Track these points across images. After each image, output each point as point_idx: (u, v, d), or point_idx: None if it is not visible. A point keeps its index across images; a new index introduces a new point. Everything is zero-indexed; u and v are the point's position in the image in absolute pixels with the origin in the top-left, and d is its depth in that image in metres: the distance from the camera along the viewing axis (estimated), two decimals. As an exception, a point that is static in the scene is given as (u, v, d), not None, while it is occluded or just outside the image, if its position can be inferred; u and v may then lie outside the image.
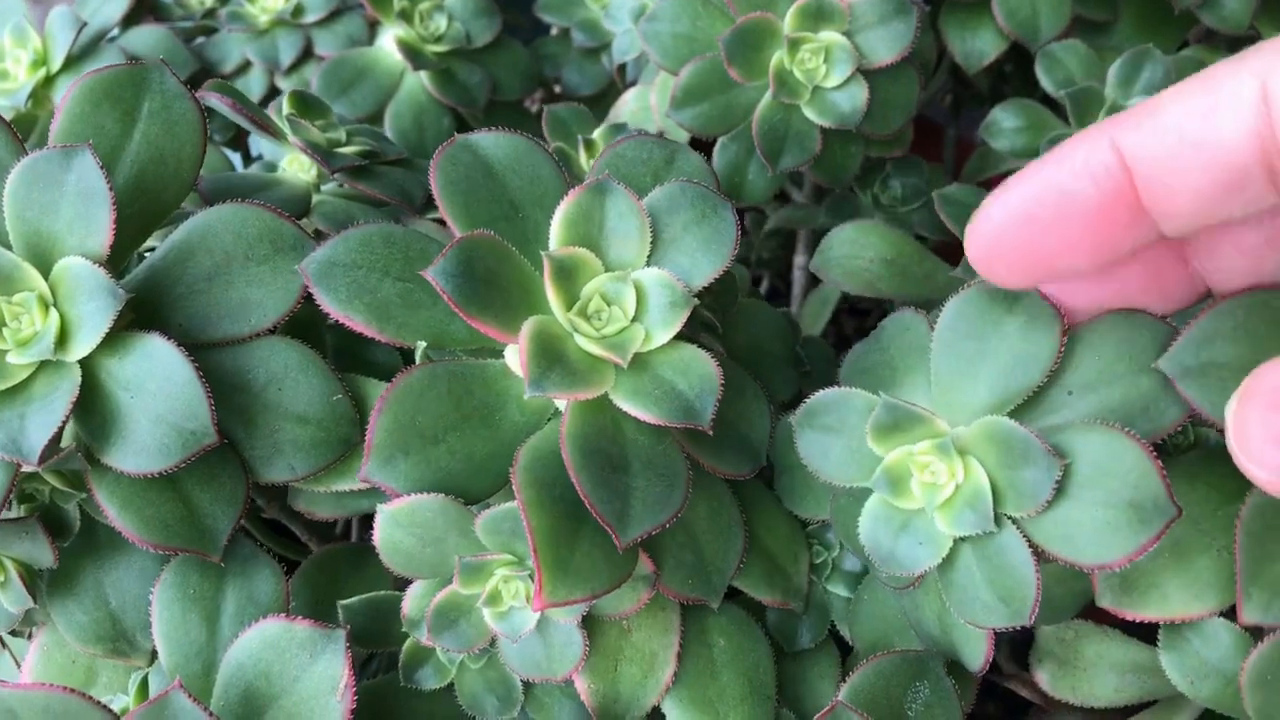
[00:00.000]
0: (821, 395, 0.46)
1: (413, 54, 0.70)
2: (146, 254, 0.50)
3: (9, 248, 0.45)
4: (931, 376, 0.44)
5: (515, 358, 0.45)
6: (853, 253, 0.58)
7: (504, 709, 0.48)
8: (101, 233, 0.45)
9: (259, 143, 0.70)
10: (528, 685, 0.48)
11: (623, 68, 0.77)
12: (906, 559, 0.43)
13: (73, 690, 0.41)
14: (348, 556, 0.54)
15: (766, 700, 0.47)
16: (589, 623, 0.46)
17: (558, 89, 0.82)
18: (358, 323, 0.45)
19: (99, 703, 0.41)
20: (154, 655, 0.49)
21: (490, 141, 0.47)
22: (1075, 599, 0.47)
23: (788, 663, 0.51)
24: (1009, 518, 0.41)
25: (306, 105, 0.58)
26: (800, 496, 0.49)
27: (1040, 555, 0.40)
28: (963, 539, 0.42)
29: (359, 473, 0.43)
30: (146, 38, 0.73)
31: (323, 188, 0.59)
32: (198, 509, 0.46)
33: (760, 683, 0.47)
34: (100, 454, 0.44)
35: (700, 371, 0.43)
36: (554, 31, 0.86)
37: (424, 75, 0.71)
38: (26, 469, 0.44)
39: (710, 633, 0.48)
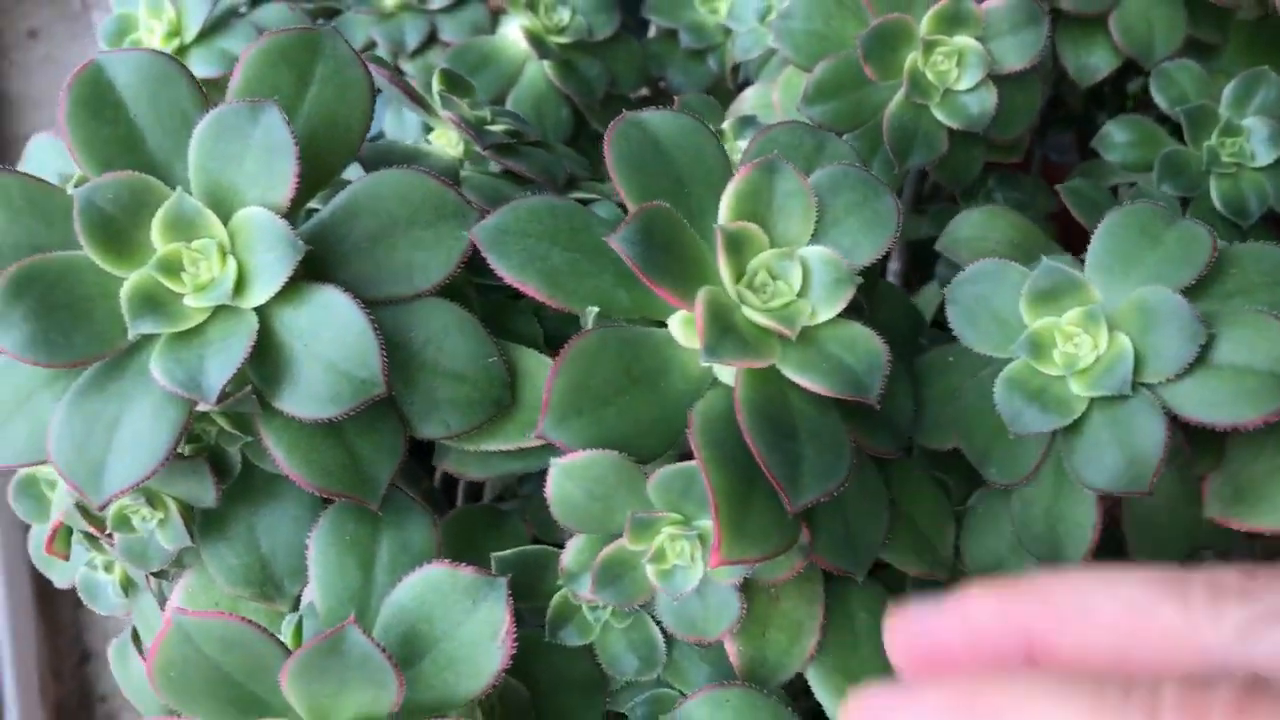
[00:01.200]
0: (978, 265, 0.49)
1: (538, 43, 0.72)
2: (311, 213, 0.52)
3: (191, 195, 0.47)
4: (1088, 267, 0.47)
5: (679, 327, 0.47)
6: (980, 234, 0.59)
7: (644, 669, 0.49)
8: (283, 185, 0.46)
9: (382, 118, 0.71)
10: (668, 647, 0.49)
11: (736, 68, 0.79)
12: (1036, 420, 0.46)
13: (249, 621, 0.42)
14: (485, 516, 0.55)
15: None
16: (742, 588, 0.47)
17: (662, 85, 0.84)
18: (530, 288, 0.46)
19: (274, 636, 0.42)
20: (296, 602, 0.50)
21: (659, 119, 0.48)
22: (1184, 532, 0.49)
23: None
24: (1144, 385, 0.45)
25: (455, 83, 0.60)
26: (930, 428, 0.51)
27: (1174, 419, 0.44)
28: (1095, 402, 0.46)
29: (535, 430, 0.45)
30: (274, 14, 0.74)
31: (465, 164, 0.60)
32: (359, 457, 0.47)
33: None
34: (272, 399, 0.45)
35: (867, 347, 0.44)
36: (653, 32, 0.88)
37: (546, 65, 0.73)
38: (200, 409, 0.46)
39: (852, 605, 0.49)
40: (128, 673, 0.56)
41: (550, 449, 0.49)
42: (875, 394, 0.43)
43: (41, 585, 1.16)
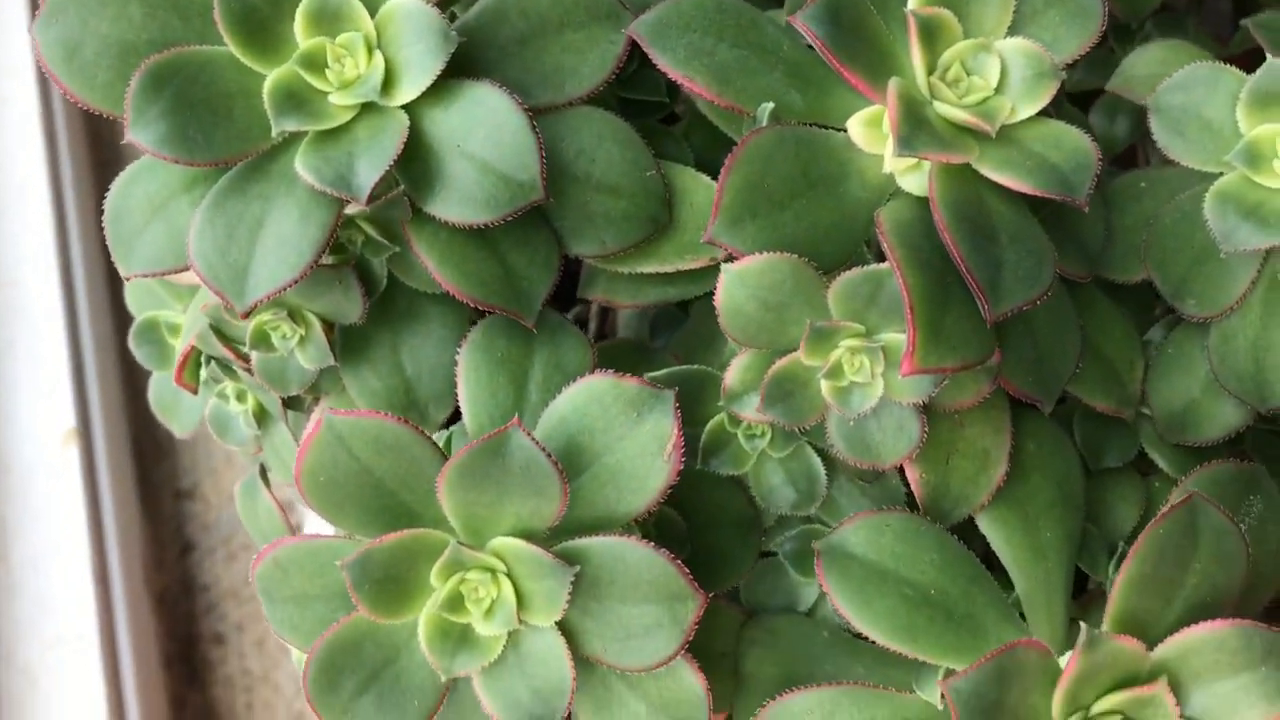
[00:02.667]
0: (1188, 70, 0.45)
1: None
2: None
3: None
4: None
5: (860, 129, 0.43)
6: (1159, 70, 0.54)
7: (802, 504, 0.46)
8: (434, -28, 0.43)
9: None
10: (828, 481, 0.46)
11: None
12: (1251, 236, 0.42)
13: (406, 422, 0.39)
14: (633, 350, 0.52)
15: (1076, 510, 0.45)
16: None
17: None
18: (698, 84, 0.43)
19: (431, 440, 0.40)
20: (443, 428, 0.48)
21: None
22: None
23: (1090, 483, 0.48)
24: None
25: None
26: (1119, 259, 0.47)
27: None
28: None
29: (703, 235, 0.42)
30: None
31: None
32: (514, 270, 0.44)
33: (1070, 492, 0.45)
34: (423, 202, 0.42)
35: (1074, 145, 0.41)
36: None
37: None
38: (349, 211, 0.43)
39: (1020, 436, 0.45)
40: (254, 510, 0.54)
41: (708, 275, 0.46)
42: (1085, 193, 0.39)
43: (145, 479, 1.17)
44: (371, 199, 0.40)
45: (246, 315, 0.41)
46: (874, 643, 0.47)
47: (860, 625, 0.41)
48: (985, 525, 0.45)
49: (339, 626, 0.40)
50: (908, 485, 0.45)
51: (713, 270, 0.45)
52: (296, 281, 0.41)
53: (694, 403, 0.46)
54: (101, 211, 0.44)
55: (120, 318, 1.27)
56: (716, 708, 0.47)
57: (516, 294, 0.43)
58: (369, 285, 0.45)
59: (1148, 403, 0.48)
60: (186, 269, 0.42)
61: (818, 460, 0.46)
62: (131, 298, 0.61)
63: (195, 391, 0.51)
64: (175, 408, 0.59)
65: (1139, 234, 0.47)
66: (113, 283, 1.27)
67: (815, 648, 0.47)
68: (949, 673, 0.41)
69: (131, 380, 1.23)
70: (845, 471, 0.46)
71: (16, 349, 1.13)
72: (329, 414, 0.39)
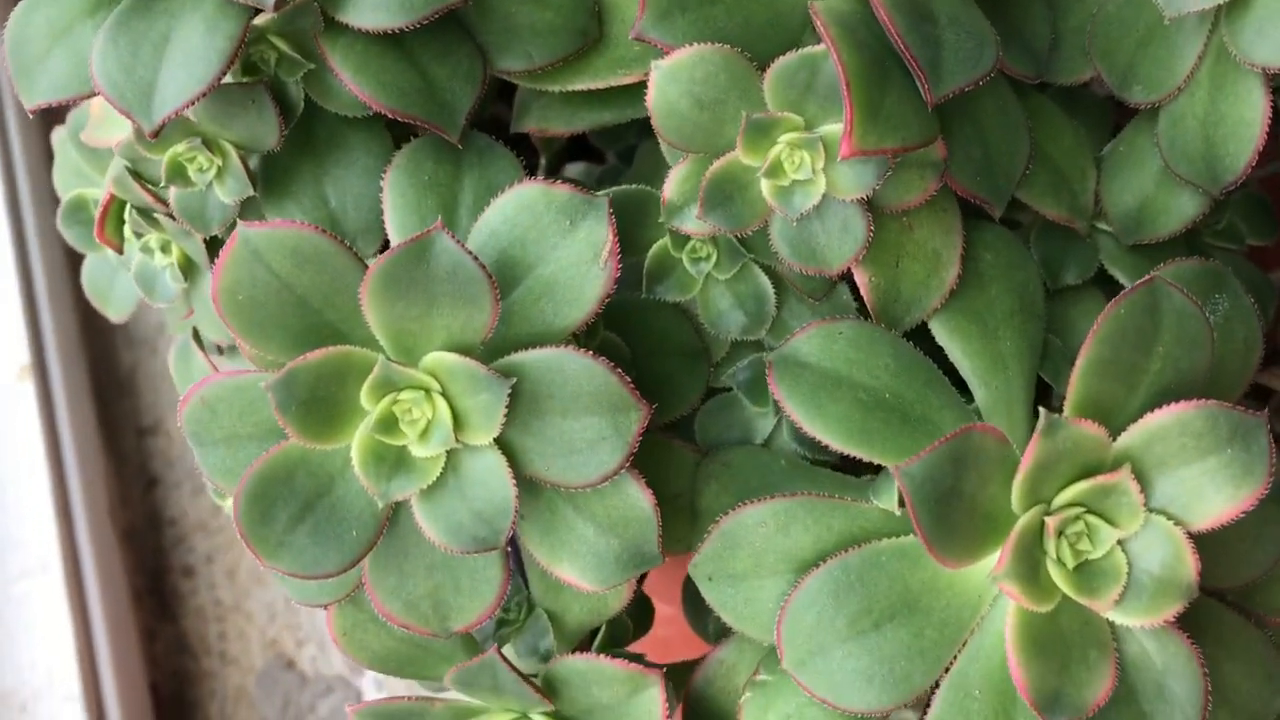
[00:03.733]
0: None
1: None
2: None
3: None
4: None
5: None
6: None
7: (751, 326, 0.44)
8: None
9: None
10: (777, 303, 0.44)
11: None
12: None
13: (321, 230, 0.37)
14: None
15: (1037, 320, 0.43)
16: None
17: None
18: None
19: (349, 247, 0.38)
20: (375, 261, 0.46)
21: None
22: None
23: (1051, 302, 0.47)
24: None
25: None
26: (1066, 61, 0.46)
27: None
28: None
29: (631, 30, 0.40)
30: None
31: None
32: (435, 81, 0.42)
33: (1030, 301, 0.44)
34: (335, 10, 0.40)
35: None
36: None
37: None
38: (258, 22, 0.41)
39: (976, 245, 0.44)
40: (189, 374, 0.52)
41: (642, 96, 0.44)
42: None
43: (106, 416, 1.15)
44: (279, 4, 0.38)
45: (155, 135, 0.39)
46: (831, 466, 0.46)
47: (814, 430, 0.40)
48: (944, 337, 0.43)
49: (269, 456, 0.39)
50: (859, 300, 0.44)
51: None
52: (204, 94, 0.39)
53: (636, 228, 0.44)
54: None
55: (73, 258, 1.24)
56: (673, 548, 0.46)
57: (439, 105, 0.41)
58: (286, 109, 0.43)
59: (1102, 207, 0.47)
60: (91, 94, 0.40)
61: (765, 280, 0.44)
62: (59, 179, 0.59)
63: (119, 250, 0.49)
64: (109, 291, 0.57)
65: (1084, 35, 0.46)
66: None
67: (773, 477, 0.45)
68: None
69: (88, 321, 1.20)
70: (794, 291, 0.44)
71: (-37, 287, 1.11)
72: (243, 227, 0.37)
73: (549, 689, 0.43)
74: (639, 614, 0.50)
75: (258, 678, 1.03)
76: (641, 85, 0.43)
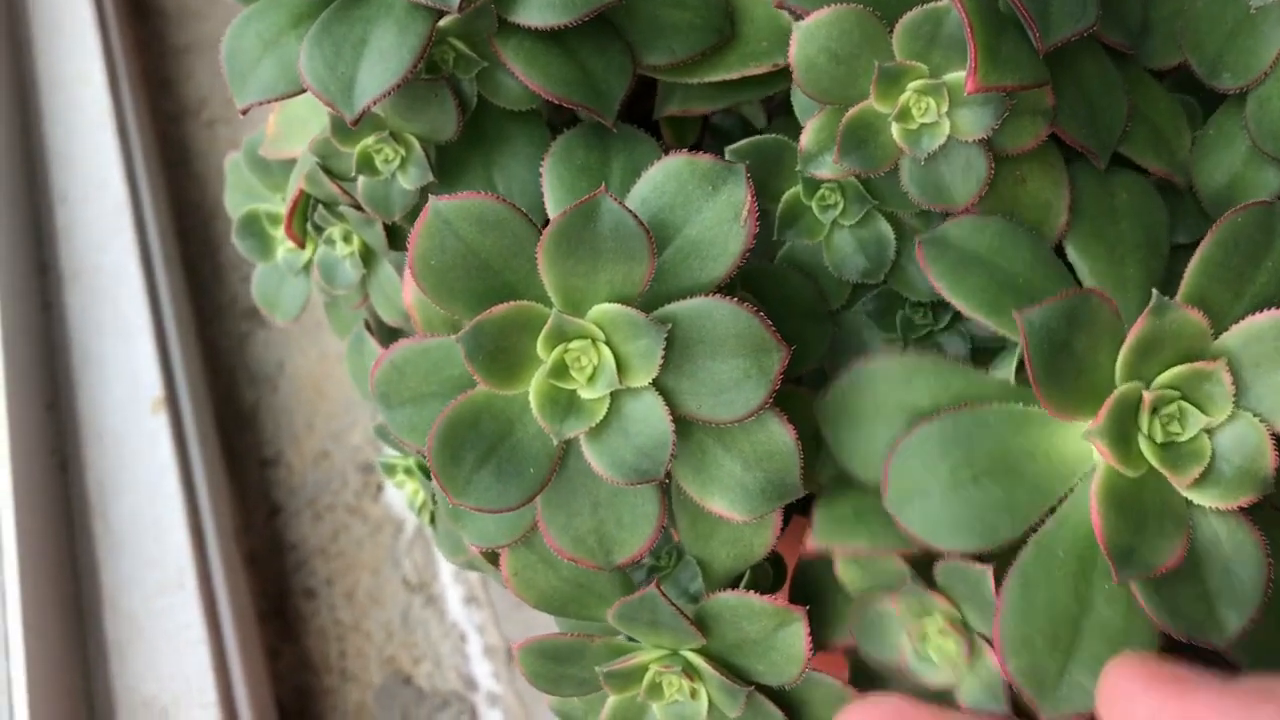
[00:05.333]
0: None
1: None
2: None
3: None
4: None
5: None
6: None
7: (872, 271, 0.49)
8: None
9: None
10: (897, 250, 0.48)
11: None
12: None
13: (501, 199, 0.43)
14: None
15: (1159, 257, 0.47)
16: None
17: None
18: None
19: (526, 214, 0.43)
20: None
21: None
22: None
23: None
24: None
25: None
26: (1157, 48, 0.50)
27: None
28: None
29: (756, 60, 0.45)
30: None
31: None
32: (592, 73, 0.48)
33: (1155, 240, 0.47)
34: (507, 12, 0.47)
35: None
36: None
37: None
38: (442, 24, 0.47)
39: (1113, 185, 0.48)
40: (362, 363, 0.58)
41: (775, 79, 0.49)
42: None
43: (230, 448, 1.21)
44: (462, 7, 0.44)
45: (356, 123, 0.45)
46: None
47: (950, 295, 0.43)
48: (1074, 256, 0.47)
49: (457, 403, 0.44)
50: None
51: (778, 75, 0.48)
52: (397, 87, 0.45)
53: (771, 177, 0.49)
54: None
55: (198, 303, 1.33)
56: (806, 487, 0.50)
57: (596, 94, 0.47)
58: (461, 104, 0.49)
59: (1194, 184, 0.51)
60: (298, 92, 0.46)
61: (887, 226, 0.49)
62: (231, 201, 0.65)
63: (302, 244, 0.55)
64: (278, 296, 0.63)
65: (1174, 23, 0.50)
66: (188, 268, 1.33)
67: None
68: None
69: (212, 360, 1.28)
70: (913, 237, 0.49)
71: (104, 328, 1.18)
72: (435, 201, 0.43)
73: (702, 625, 0.47)
74: (776, 568, 0.54)
75: (376, 694, 1.07)
76: (769, 74, 0.48)
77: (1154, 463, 0.40)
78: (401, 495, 0.60)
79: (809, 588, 0.51)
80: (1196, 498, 0.40)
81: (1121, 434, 0.40)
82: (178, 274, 1.27)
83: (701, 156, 0.44)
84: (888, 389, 0.44)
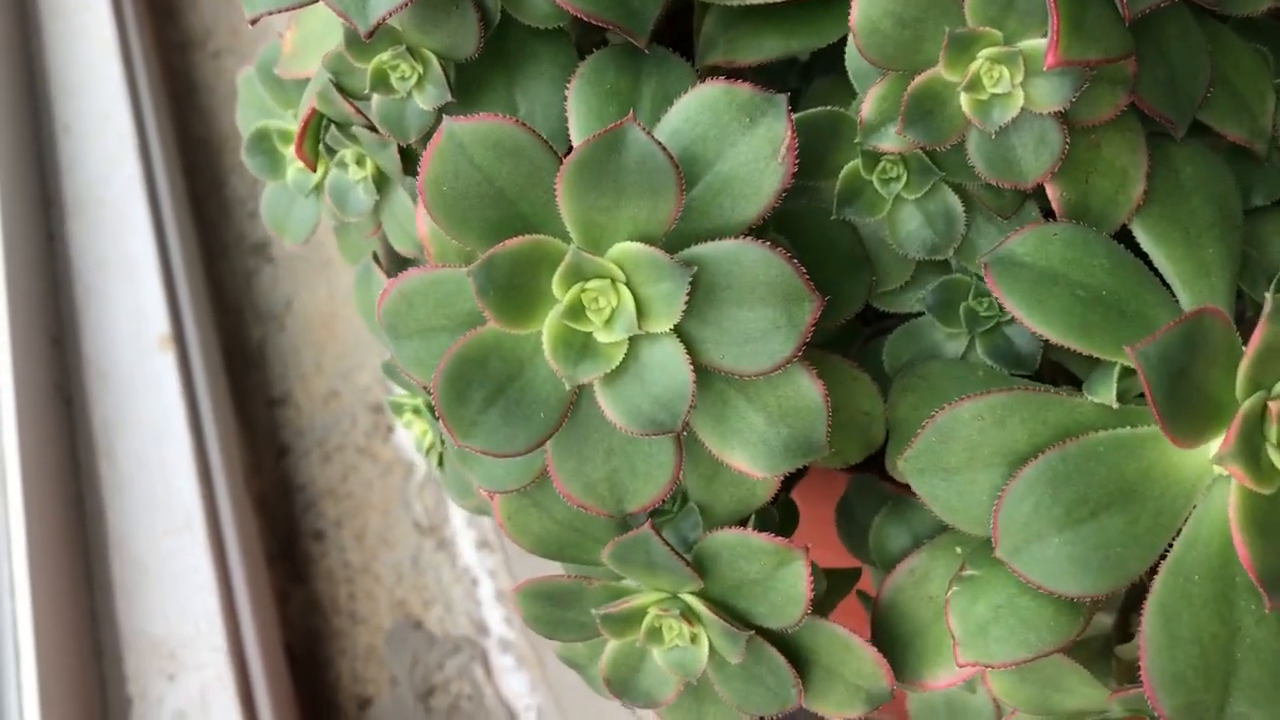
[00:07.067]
0: None
1: None
2: None
3: None
4: None
5: None
6: None
7: (941, 245, 0.46)
8: None
9: None
10: (966, 222, 0.45)
11: None
12: None
13: (520, 123, 0.40)
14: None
15: (1236, 230, 0.44)
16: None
17: None
18: None
19: (546, 141, 0.40)
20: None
21: None
22: None
23: (1244, 221, 0.47)
24: None
25: None
26: None
27: None
28: None
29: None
30: None
31: None
32: (627, -8, 0.44)
33: (1230, 213, 0.44)
34: (535, -78, 0.43)
35: None
36: None
37: None
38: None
39: (1175, 160, 0.45)
40: (370, 296, 0.55)
41: (828, 24, 0.46)
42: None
43: (238, 388, 1.19)
44: (484, -86, 0.41)
45: (370, 35, 0.42)
46: (1029, 377, 0.46)
47: (1034, 324, 0.40)
48: (1149, 244, 0.44)
49: (466, 340, 0.41)
50: (1047, 218, 0.45)
51: (831, 22, 0.45)
52: (414, -1, 0.41)
53: (827, 150, 0.46)
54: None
55: (204, 239, 1.30)
56: (829, 463, 0.47)
57: (629, 12, 0.44)
58: (483, 19, 0.46)
59: (1279, 129, 0.47)
60: (309, 2, 0.43)
61: (955, 198, 0.45)
62: (242, 117, 0.62)
63: (314, 167, 0.52)
64: (287, 217, 0.60)
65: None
66: (194, 203, 1.30)
67: (970, 387, 0.45)
68: (1125, 371, 0.40)
69: (219, 297, 1.26)
70: (982, 210, 0.46)
71: (108, 264, 1.16)
72: (449, 122, 0.40)
73: (699, 567, 0.45)
74: (786, 514, 0.51)
75: (386, 637, 1.06)
76: (821, 12, 0.44)
77: None
78: (411, 437, 0.57)
79: (895, 625, 0.48)
80: None
81: (1252, 452, 0.37)
82: (184, 208, 1.25)
83: (740, 85, 0.41)
84: (980, 432, 0.41)
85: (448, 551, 1.10)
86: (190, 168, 1.32)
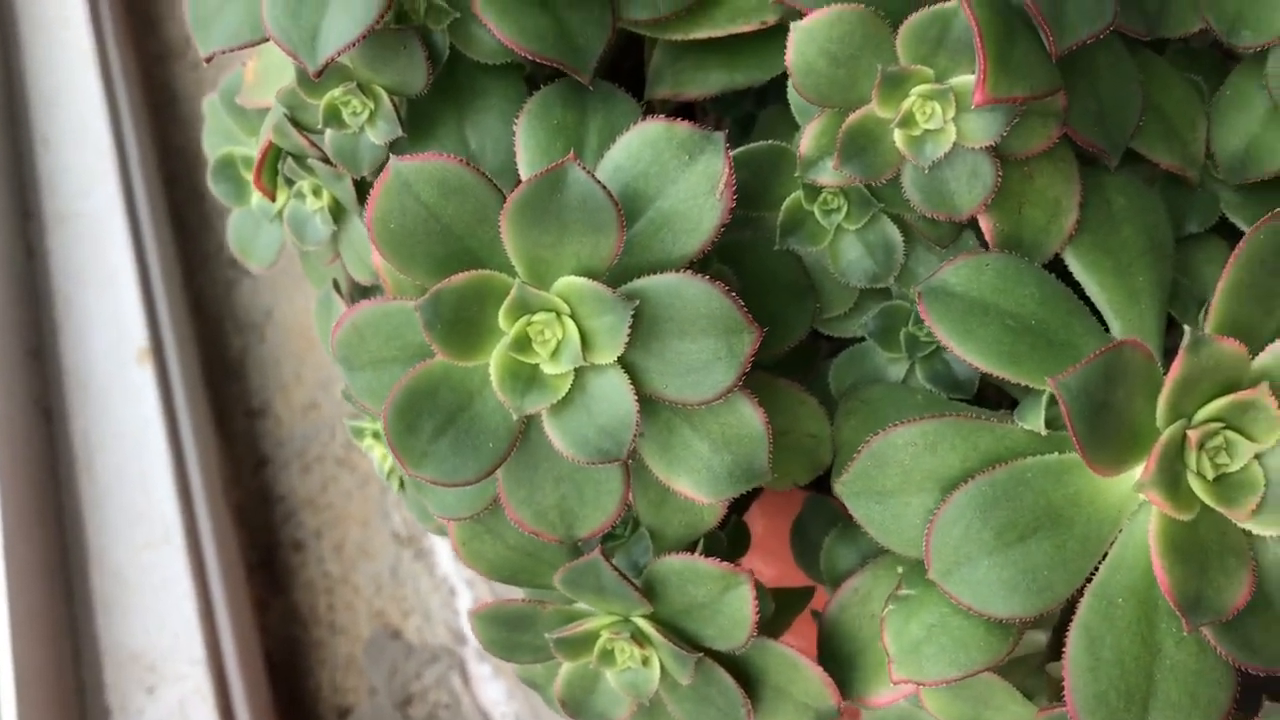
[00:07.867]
0: None
1: None
2: None
3: None
4: None
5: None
6: None
7: (881, 274, 0.47)
8: None
9: None
10: (905, 251, 0.46)
11: None
12: None
13: (465, 162, 0.41)
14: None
15: (1166, 259, 0.45)
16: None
17: None
18: None
19: (490, 179, 0.41)
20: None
21: None
22: None
23: (1176, 249, 0.48)
24: None
25: None
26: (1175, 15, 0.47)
27: None
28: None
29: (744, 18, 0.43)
30: None
31: None
32: (568, 27, 0.45)
33: (1160, 241, 0.45)
34: (478, -37, 0.44)
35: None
36: None
37: None
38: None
39: (1107, 190, 0.46)
40: (329, 322, 0.56)
41: (770, 58, 0.47)
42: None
43: (217, 399, 1.20)
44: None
45: (319, 75, 0.43)
46: (968, 401, 0.48)
47: (964, 353, 0.41)
48: (1080, 272, 0.45)
49: (416, 372, 0.42)
50: (982, 247, 0.46)
51: (774, 55, 0.46)
52: (363, 37, 0.42)
53: (770, 183, 0.47)
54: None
55: (184, 250, 1.31)
56: (778, 485, 0.48)
57: (572, 49, 0.45)
58: (432, 56, 0.47)
59: (1212, 153, 0.48)
60: (260, 41, 0.44)
61: (894, 229, 0.47)
62: (208, 142, 0.63)
63: (273, 197, 0.53)
64: (253, 242, 0.61)
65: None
66: (174, 214, 1.31)
67: (910, 411, 0.46)
68: (1054, 399, 0.41)
69: (199, 308, 1.26)
70: (920, 239, 0.47)
71: (87, 277, 1.16)
72: (395, 161, 0.41)
73: (648, 591, 0.46)
74: (736, 537, 0.53)
75: (365, 647, 1.06)
76: (764, 45, 0.45)
77: (1208, 501, 0.39)
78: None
79: (839, 643, 0.49)
80: (1256, 528, 0.39)
81: (1173, 480, 0.38)
82: (163, 220, 1.25)
83: (679, 123, 0.42)
84: (913, 458, 0.42)
85: (426, 562, 1.10)
86: (170, 178, 1.32)
